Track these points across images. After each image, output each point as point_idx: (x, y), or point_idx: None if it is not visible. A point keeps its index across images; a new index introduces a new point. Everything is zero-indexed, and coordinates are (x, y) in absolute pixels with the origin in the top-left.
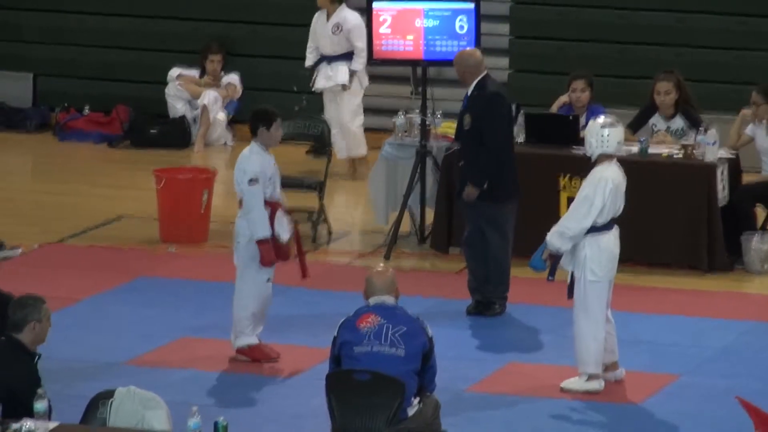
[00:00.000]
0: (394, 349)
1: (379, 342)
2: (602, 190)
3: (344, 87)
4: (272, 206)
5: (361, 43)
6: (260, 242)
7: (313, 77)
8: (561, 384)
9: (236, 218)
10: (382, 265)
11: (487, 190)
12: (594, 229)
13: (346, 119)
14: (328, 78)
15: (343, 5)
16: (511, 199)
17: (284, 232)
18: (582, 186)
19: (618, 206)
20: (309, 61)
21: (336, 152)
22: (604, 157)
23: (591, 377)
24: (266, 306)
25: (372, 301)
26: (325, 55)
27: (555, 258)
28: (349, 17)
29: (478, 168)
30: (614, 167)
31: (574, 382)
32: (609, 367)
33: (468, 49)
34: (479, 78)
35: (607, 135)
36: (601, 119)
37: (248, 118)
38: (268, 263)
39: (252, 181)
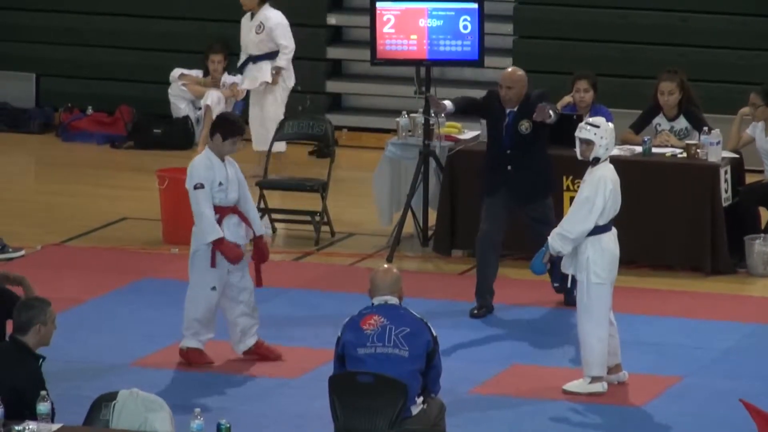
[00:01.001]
0: (397, 350)
1: (382, 344)
2: (603, 191)
3: (267, 84)
4: (221, 212)
5: (284, 41)
6: (215, 244)
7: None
8: (564, 386)
9: None
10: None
11: (545, 187)
12: (595, 231)
13: (269, 115)
14: (254, 79)
15: (266, 5)
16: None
17: (235, 239)
18: (581, 187)
19: (617, 206)
20: (239, 63)
21: (254, 145)
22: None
23: (594, 379)
24: (211, 313)
25: (376, 301)
26: (251, 56)
27: (555, 261)
28: (271, 15)
29: (549, 173)
30: (611, 166)
31: (577, 385)
32: (612, 370)
33: (516, 69)
34: None
35: (612, 133)
36: (597, 119)
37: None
38: (235, 260)
39: (197, 186)
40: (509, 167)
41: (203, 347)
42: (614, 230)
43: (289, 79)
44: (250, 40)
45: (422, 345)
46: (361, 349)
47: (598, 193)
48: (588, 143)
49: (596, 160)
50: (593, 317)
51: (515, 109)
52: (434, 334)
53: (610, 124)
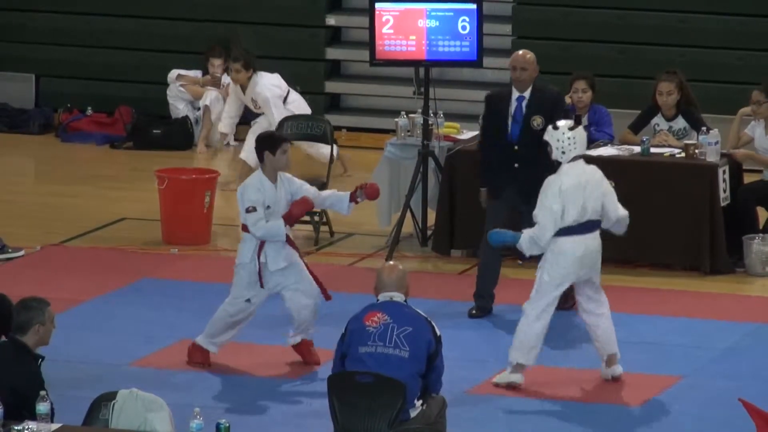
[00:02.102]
0: (398, 350)
1: (383, 344)
2: (554, 195)
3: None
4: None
5: (275, 115)
6: (286, 220)
7: (227, 140)
8: (493, 380)
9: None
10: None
11: None
12: (557, 233)
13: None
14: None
15: (253, 78)
16: None
17: (273, 262)
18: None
19: (579, 209)
20: (224, 128)
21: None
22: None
23: (515, 368)
24: (238, 323)
25: (381, 297)
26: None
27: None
28: (259, 91)
29: None
30: (577, 167)
31: (502, 376)
32: (608, 361)
33: (526, 51)
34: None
35: (574, 137)
36: (562, 123)
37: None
38: (308, 206)
39: (248, 210)
40: (516, 165)
41: (216, 350)
42: (587, 234)
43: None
44: (249, 107)
45: (423, 345)
46: (362, 348)
47: (553, 199)
48: (547, 145)
49: (558, 163)
50: (531, 309)
51: (526, 97)
52: (438, 333)
53: (579, 129)
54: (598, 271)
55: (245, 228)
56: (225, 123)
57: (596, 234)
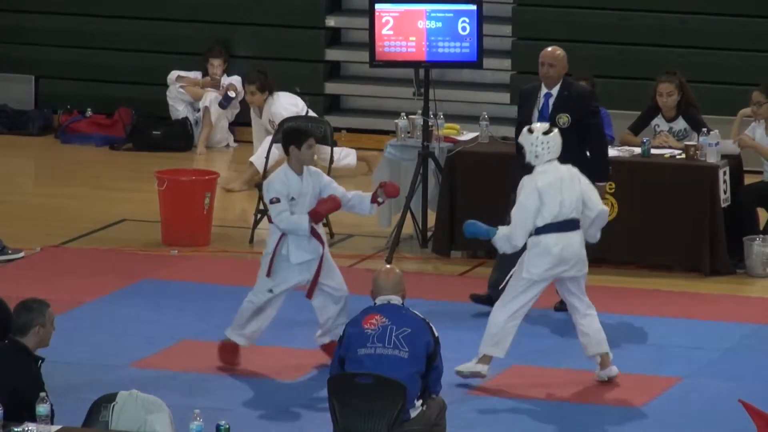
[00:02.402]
0: (397, 351)
1: (382, 345)
2: (530, 195)
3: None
4: None
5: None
6: (312, 217)
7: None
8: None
9: None
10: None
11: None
12: (535, 231)
13: None
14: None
15: (269, 99)
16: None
17: (295, 256)
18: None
19: (555, 208)
20: (255, 158)
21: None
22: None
23: (482, 359)
24: (263, 311)
25: (378, 300)
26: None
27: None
28: (275, 111)
29: (600, 162)
30: (551, 166)
31: (467, 365)
32: (602, 363)
33: (556, 48)
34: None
35: (549, 141)
36: (537, 126)
37: (249, 121)
38: (335, 206)
39: (272, 201)
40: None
41: (245, 343)
42: (564, 233)
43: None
44: (267, 129)
45: (422, 346)
46: (361, 350)
47: (528, 198)
48: (523, 149)
49: (531, 166)
50: (505, 302)
51: (553, 94)
52: (436, 334)
53: (554, 133)
54: (582, 271)
55: (270, 219)
56: (257, 155)
57: (576, 233)
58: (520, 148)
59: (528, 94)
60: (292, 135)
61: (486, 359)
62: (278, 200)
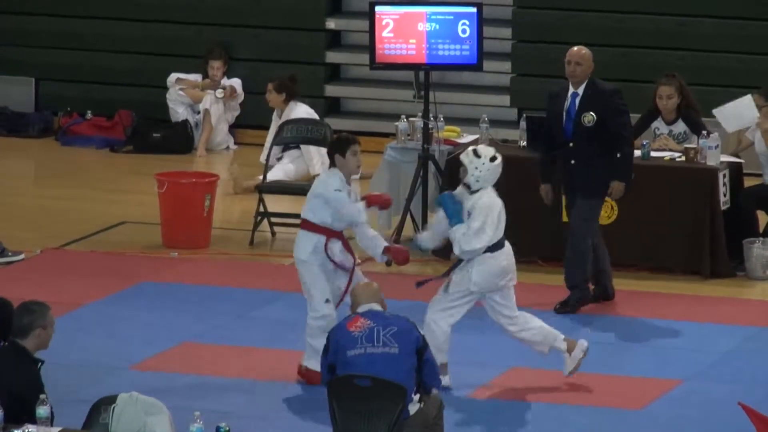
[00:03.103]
0: (387, 348)
1: (372, 344)
2: (491, 221)
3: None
4: (328, 234)
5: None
6: (368, 201)
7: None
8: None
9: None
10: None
11: (600, 188)
12: (486, 249)
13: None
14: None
15: (290, 104)
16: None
17: (338, 259)
18: (473, 215)
19: (502, 229)
20: (264, 158)
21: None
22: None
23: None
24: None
25: (360, 309)
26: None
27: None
28: (294, 117)
29: (623, 163)
30: (493, 193)
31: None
32: (568, 347)
33: (582, 47)
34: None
35: (490, 170)
36: (484, 151)
37: (249, 123)
38: (380, 202)
39: (336, 190)
40: (573, 161)
41: None
42: (506, 246)
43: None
44: None
45: (412, 342)
46: (350, 351)
47: (487, 222)
48: (462, 167)
49: (471, 188)
50: (447, 310)
51: (579, 94)
52: (421, 332)
53: (497, 161)
54: (514, 276)
55: (307, 225)
56: (265, 155)
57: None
58: (547, 151)
59: (555, 95)
60: (335, 144)
61: (443, 368)
62: (341, 191)
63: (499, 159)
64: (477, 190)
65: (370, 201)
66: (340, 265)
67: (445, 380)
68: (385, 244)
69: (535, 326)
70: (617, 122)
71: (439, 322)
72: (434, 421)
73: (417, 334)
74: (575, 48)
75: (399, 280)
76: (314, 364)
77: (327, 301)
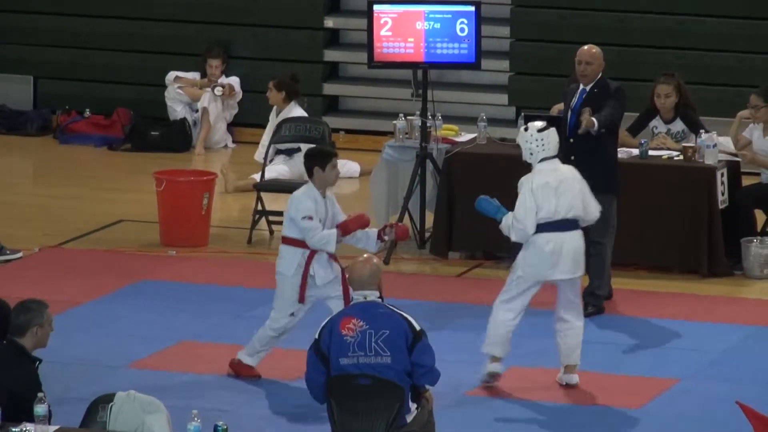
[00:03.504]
0: (379, 358)
1: (364, 353)
2: (525, 193)
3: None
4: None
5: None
6: (341, 231)
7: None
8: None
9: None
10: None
11: (605, 182)
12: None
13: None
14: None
15: (292, 103)
16: (616, 192)
17: (321, 277)
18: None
19: (551, 208)
20: (259, 156)
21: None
22: (543, 160)
23: (492, 359)
24: (280, 337)
25: (355, 296)
26: (286, 149)
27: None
28: (293, 116)
29: (612, 171)
30: (549, 166)
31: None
32: (566, 369)
33: (592, 46)
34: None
35: (545, 139)
36: (533, 124)
37: (247, 122)
38: (354, 227)
39: (305, 218)
40: (572, 158)
41: (255, 364)
42: (559, 233)
43: None
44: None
45: (402, 342)
46: (343, 359)
47: (526, 197)
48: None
49: (533, 165)
50: (502, 301)
51: (587, 90)
52: (417, 328)
53: (549, 131)
54: (576, 273)
55: (288, 240)
56: (260, 153)
57: (574, 233)
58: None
59: (567, 93)
60: (315, 156)
61: (496, 358)
62: (311, 218)
63: (551, 129)
64: (533, 168)
65: (346, 229)
66: (322, 283)
67: (495, 366)
68: (375, 230)
69: (576, 342)
70: (609, 104)
71: (496, 312)
72: (428, 418)
73: (406, 329)
74: (585, 47)
75: (397, 278)
76: (248, 360)
77: (292, 314)
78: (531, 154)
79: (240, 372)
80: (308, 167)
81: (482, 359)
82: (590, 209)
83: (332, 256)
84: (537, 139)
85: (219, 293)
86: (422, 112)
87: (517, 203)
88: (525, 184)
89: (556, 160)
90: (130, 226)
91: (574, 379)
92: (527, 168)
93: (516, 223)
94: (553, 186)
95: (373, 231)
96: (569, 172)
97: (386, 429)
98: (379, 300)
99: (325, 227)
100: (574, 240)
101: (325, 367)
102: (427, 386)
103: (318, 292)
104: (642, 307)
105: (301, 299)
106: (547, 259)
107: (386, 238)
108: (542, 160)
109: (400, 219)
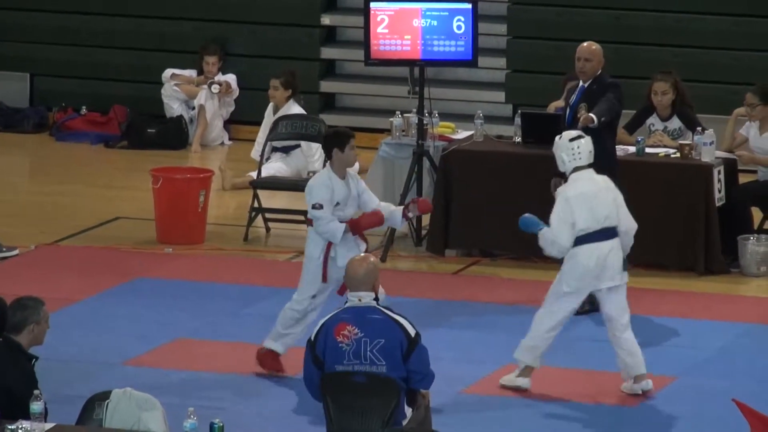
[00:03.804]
0: (374, 367)
1: (359, 362)
2: (560, 204)
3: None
4: None
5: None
6: (351, 228)
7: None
8: (500, 380)
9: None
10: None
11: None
12: (575, 241)
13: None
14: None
15: (291, 101)
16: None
17: (343, 257)
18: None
19: (588, 220)
20: (256, 153)
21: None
22: (577, 170)
23: (523, 372)
24: (304, 320)
25: (350, 297)
26: (283, 146)
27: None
28: (294, 113)
29: (610, 165)
30: (584, 176)
31: (507, 378)
32: (637, 379)
33: (591, 43)
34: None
35: (578, 148)
36: (565, 133)
37: (244, 119)
38: (380, 222)
39: (315, 206)
40: None
41: (284, 351)
42: (599, 243)
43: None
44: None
45: (397, 351)
46: (339, 366)
47: (562, 208)
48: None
49: (567, 174)
50: (548, 311)
51: (586, 87)
52: (412, 334)
53: (583, 139)
54: (620, 280)
55: (311, 223)
56: (256, 150)
57: (614, 241)
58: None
59: (570, 89)
60: (333, 138)
61: (527, 371)
62: (321, 206)
63: (585, 138)
64: (570, 176)
65: (357, 227)
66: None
67: (523, 381)
68: (400, 208)
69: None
70: (606, 96)
71: (537, 321)
72: (425, 414)
73: (402, 337)
74: (585, 44)
75: (394, 276)
76: (273, 345)
77: (314, 296)
78: (564, 162)
79: (264, 364)
80: (327, 149)
81: (478, 357)
82: (624, 219)
83: (361, 235)
84: (569, 148)
85: (215, 290)
86: (419, 110)
87: (552, 214)
88: (560, 194)
89: (591, 170)
90: (126, 223)
91: (649, 384)
92: (525, 166)
93: (550, 235)
94: (589, 196)
95: (397, 209)
96: (603, 182)
97: (383, 426)
98: (374, 303)
99: (349, 207)
100: (616, 248)
101: (321, 371)
102: (423, 389)
103: (340, 274)
104: (638, 305)
105: (324, 279)
106: (591, 271)
107: (410, 215)
108: (576, 169)
109: None
